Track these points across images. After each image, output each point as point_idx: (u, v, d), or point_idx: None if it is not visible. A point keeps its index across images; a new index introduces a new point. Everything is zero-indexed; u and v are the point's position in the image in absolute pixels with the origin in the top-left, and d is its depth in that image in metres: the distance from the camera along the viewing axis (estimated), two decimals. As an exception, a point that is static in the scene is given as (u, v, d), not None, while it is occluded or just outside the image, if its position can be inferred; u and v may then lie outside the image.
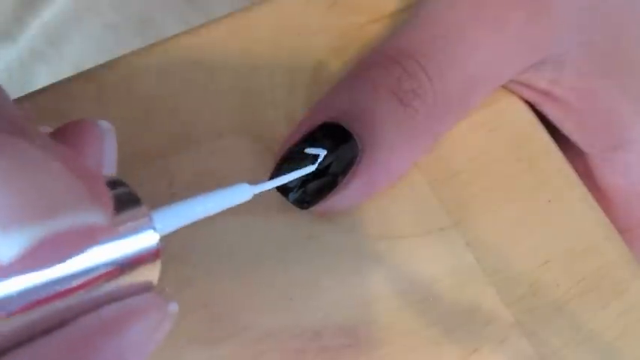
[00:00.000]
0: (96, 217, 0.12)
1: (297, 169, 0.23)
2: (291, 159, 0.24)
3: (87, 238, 0.12)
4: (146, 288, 0.15)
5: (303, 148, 0.24)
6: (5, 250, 0.11)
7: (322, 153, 0.23)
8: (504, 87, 0.28)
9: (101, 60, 0.26)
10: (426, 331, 0.24)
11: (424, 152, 0.26)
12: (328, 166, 0.23)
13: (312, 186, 0.24)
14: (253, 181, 0.25)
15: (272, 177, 0.24)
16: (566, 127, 0.29)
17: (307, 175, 0.23)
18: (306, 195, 0.24)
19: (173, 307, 0.15)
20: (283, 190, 0.24)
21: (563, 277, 0.26)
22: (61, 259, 0.13)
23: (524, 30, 0.26)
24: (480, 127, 0.28)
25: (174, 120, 0.25)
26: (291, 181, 0.23)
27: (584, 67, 0.27)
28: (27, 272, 0.12)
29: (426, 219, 0.26)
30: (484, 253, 0.26)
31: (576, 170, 0.28)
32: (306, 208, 0.24)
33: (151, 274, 0.15)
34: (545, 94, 0.28)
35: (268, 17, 0.27)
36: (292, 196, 0.24)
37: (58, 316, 0.14)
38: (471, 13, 0.25)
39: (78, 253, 0.13)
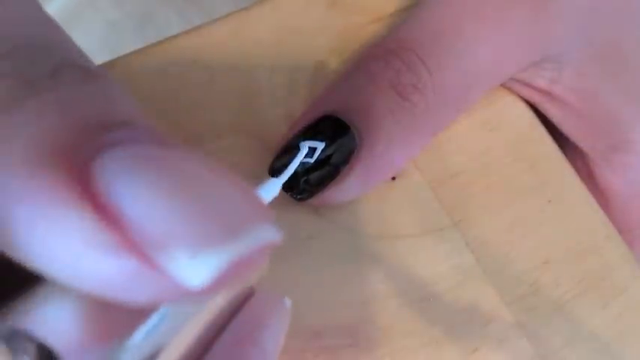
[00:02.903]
0: (272, 233, 0.12)
1: (294, 161, 0.23)
2: (289, 151, 0.24)
3: (263, 257, 0.12)
4: (250, 289, 0.15)
5: (302, 141, 0.24)
6: (194, 275, 0.10)
7: (320, 146, 0.23)
8: (504, 86, 0.28)
9: (102, 57, 0.26)
10: (426, 331, 0.24)
11: (422, 146, 0.26)
12: (327, 159, 0.24)
13: (311, 178, 0.24)
14: (253, 181, 0.25)
15: (270, 169, 0.24)
16: (566, 128, 0.29)
17: (306, 167, 0.23)
18: (305, 186, 0.24)
19: (288, 303, 0.15)
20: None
21: (563, 277, 0.26)
22: (241, 280, 0.12)
23: (525, 28, 0.26)
24: (480, 127, 0.28)
25: (174, 120, 0.25)
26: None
27: (584, 67, 0.27)
28: (209, 297, 0.11)
29: (426, 219, 0.26)
30: (484, 253, 0.26)
31: (576, 170, 0.28)
32: (304, 200, 0.24)
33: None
34: (545, 93, 0.28)
35: (268, 17, 0.27)
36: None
37: (202, 341, 0.13)
38: (472, 10, 0.25)
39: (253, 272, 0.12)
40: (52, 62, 0.12)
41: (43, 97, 0.11)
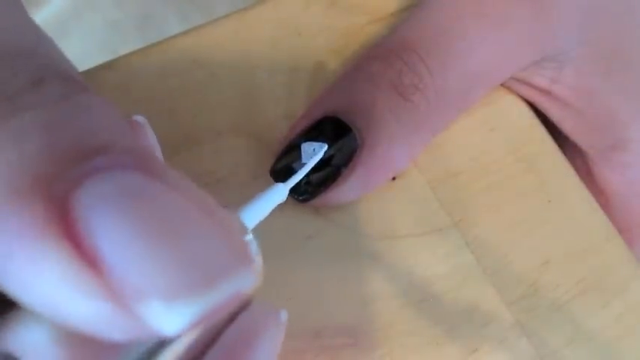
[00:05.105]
0: (250, 281, 0.11)
1: (297, 162, 0.23)
2: (291, 153, 0.24)
3: (237, 302, 0.11)
4: (246, 300, 0.15)
5: (304, 142, 0.24)
6: (168, 324, 0.10)
7: (322, 148, 0.23)
8: (504, 86, 0.28)
9: (101, 56, 0.26)
10: (426, 331, 0.24)
11: (423, 147, 0.26)
12: (329, 160, 0.24)
13: (312, 179, 0.24)
14: (253, 181, 0.25)
15: (272, 171, 0.24)
16: (566, 127, 0.29)
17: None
18: (307, 187, 0.24)
19: (284, 316, 0.15)
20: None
21: (563, 277, 0.26)
22: (212, 322, 0.12)
23: (526, 27, 0.26)
24: (480, 127, 0.28)
25: (174, 120, 0.25)
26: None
27: (584, 66, 0.27)
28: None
29: (426, 219, 0.26)
30: (484, 253, 0.26)
31: (576, 170, 0.28)
32: (306, 201, 0.24)
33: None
34: (546, 92, 0.28)
35: (268, 17, 0.27)
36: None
37: (192, 353, 0.13)
38: (473, 9, 0.25)
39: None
40: (33, 72, 0.12)
41: (24, 117, 0.11)
